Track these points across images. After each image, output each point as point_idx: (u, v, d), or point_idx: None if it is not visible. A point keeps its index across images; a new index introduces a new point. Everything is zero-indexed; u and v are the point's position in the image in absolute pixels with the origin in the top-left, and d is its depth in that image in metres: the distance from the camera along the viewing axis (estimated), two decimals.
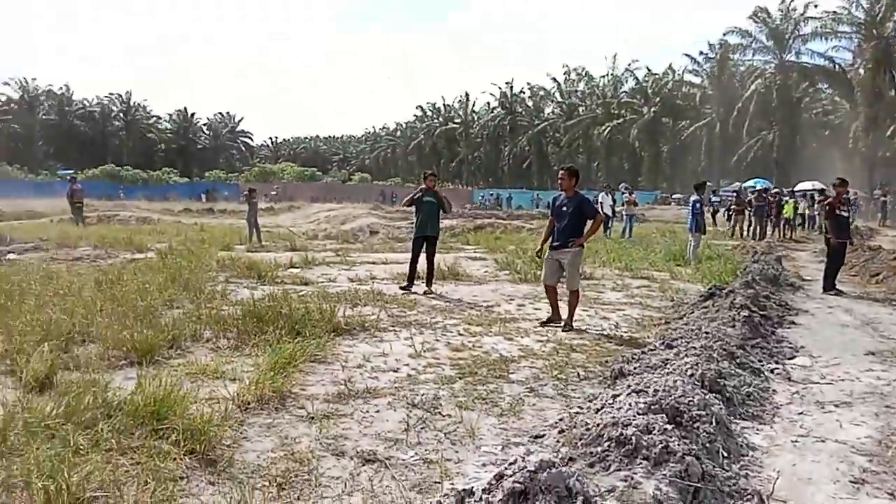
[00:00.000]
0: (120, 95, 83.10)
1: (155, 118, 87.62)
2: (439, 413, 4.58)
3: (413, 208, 10.37)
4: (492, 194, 59.16)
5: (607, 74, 72.09)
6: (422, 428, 4.30)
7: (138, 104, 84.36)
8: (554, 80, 75.66)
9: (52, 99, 77.98)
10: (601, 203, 21.00)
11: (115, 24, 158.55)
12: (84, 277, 8.90)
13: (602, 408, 4.28)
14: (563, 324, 7.37)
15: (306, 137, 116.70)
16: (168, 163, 76.93)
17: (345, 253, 14.53)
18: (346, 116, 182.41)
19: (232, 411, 4.34)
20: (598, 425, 3.89)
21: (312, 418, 4.39)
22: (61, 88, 78.81)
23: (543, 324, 7.52)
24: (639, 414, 3.88)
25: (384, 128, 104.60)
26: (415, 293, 9.31)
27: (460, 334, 6.89)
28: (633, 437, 3.59)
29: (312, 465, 3.68)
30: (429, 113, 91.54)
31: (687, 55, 78.67)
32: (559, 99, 76.06)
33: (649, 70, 67.74)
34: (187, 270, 9.79)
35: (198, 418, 3.96)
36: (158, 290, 7.91)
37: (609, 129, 65.68)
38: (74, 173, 31.54)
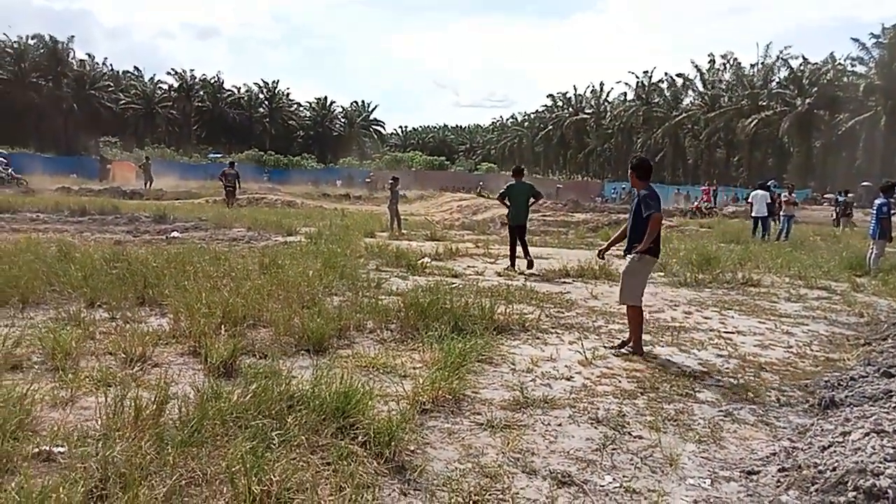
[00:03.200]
0: (266, 83, 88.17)
1: (296, 105, 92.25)
2: (629, 433, 4.18)
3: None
4: (623, 187, 57.13)
5: (757, 63, 67.29)
6: (614, 449, 3.93)
7: (282, 92, 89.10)
8: (697, 68, 71.60)
9: (206, 87, 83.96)
10: (752, 203, 19.45)
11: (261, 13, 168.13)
12: (247, 260, 9.22)
13: (830, 446, 3.71)
14: (624, 345, 6.18)
15: (434, 126, 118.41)
16: (305, 149, 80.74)
17: (486, 245, 14.31)
18: (475, 108, 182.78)
19: (408, 412, 4.17)
20: (834, 469, 3.35)
21: (493, 427, 4.14)
22: (214, 77, 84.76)
23: (615, 347, 6.22)
24: (888, 460, 3.30)
25: (512, 118, 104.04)
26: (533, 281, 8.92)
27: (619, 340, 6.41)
28: (890, 491, 3.03)
29: (505, 482, 3.41)
30: (559, 103, 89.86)
31: (855, 39, 72.17)
32: (701, 89, 71.94)
33: (805, 59, 62.50)
34: (340, 257, 9.92)
35: (382, 419, 3.83)
36: (317, 276, 8.01)
37: (755, 121, 61.34)
38: (227, 157, 33.58)
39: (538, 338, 6.44)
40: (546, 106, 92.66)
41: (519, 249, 11.17)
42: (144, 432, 3.46)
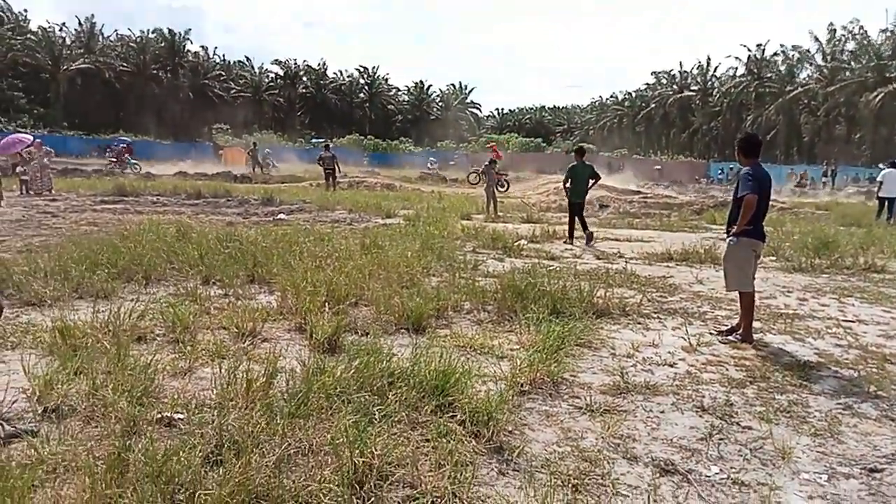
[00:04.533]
0: (366, 69, 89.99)
1: (395, 90, 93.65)
2: (737, 423, 3.99)
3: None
4: (731, 167, 54.25)
5: (886, 31, 61.73)
6: (721, 439, 3.76)
7: (381, 77, 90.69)
8: (816, 38, 66.52)
9: (310, 74, 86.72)
10: (881, 182, 17.94)
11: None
12: (349, 241, 9.49)
13: None
14: (733, 332, 5.89)
15: (531, 108, 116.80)
16: (403, 132, 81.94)
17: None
18: (575, 88, 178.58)
19: (506, 392, 4.16)
20: None
21: (592, 411, 4.07)
22: (319, 64, 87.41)
23: (721, 333, 5.94)
24: None
25: (612, 97, 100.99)
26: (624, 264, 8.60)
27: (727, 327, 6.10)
28: None
29: (605, 467, 3.35)
30: (663, 80, 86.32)
31: None
32: (820, 61, 66.89)
33: None
34: (437, 239, 10.03)
35: (480, 398, 3.85)
36: (416, 257, 8.13)
37: (882, 95, 56.45)
38: (326, 142, 34.57)
39: (639, 323, 6.25)
40: (648, 84, 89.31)
41: (578, 225, 12.17)
42: (255, 403, 3.64)
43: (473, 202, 19.73)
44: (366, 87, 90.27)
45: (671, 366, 5.03)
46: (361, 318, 5.83)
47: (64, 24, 72.77)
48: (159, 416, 3.60)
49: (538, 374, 4.45)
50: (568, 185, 12.27)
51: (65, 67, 67.81)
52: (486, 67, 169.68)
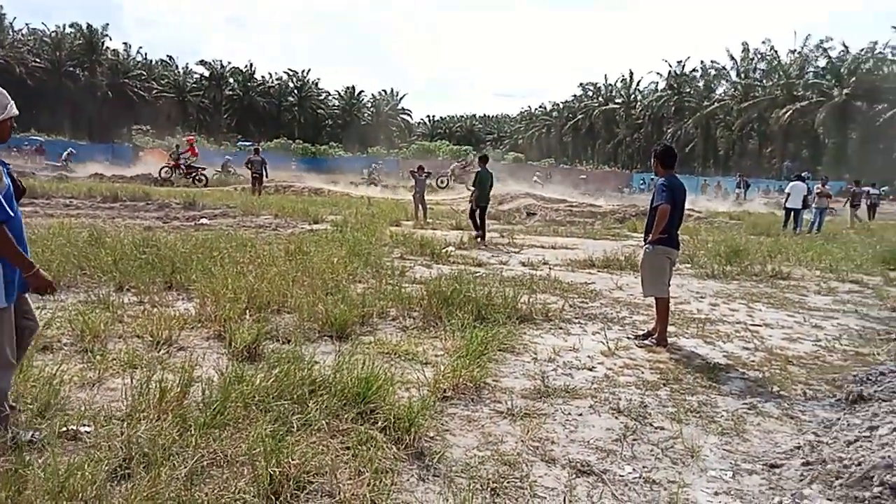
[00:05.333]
0: (296, 72, 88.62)
1: (325, 94, 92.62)
2: (650, 424, 4.15)
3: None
4: (652, 178, 56.30)
5: (794, 51, 65.62)
6: (635, 439, 3.90)
7: (312, 81, 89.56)
8: (731, 57, 70.02)
9: (237, 76, 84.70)
10: (788, 194, 19.05)
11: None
12: (273, 247, 9.31)
13: (856, 441, 3.64)
14: (648, 336, 6.11)
15: (462, 116, 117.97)
16: (333, 137, 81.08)
17: (510, 235, 14.26)
18: (504, 97, 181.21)
19: (429, 398, 4.17)
20: (859, 464, 3.29)
21: (513, 415, 4.13)
22: (246, 66, 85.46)
23: (638, 338, 6.14)
24: None
25: (541, 107, 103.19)
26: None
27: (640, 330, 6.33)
28: None
29: (523, 470, 3.41)
30: (589, 92, 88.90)
31: None
32: (734, 78, 70.44)
33: (846, 47, 60.74)
34: (365, 245, 9.97)
35: (402, 405, 3.84)
36: (342, 263, 8.05)
37: (790, 112, 59.97)
38: (255, 146, 33.85)
39: (561, 328, 6.40)
40: (575, 95, 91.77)
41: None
42: (168, 414, 3.52)
43: (403, 208, 19.72)
44: (295, 91, 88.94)
45: (590, 369, 5.18)
46: (284, 326, 5.72)
47: None
48: (64, 429, 3.42)
49: (461, 380, 4.49)
50: (473, 189, 13.63)
51: None
52: (417, 74, 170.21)
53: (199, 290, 6.39)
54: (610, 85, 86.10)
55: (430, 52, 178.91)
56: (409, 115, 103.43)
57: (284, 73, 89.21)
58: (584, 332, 6.29)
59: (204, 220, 14.34)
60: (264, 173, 24.52)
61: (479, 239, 12.97)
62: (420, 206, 17.67)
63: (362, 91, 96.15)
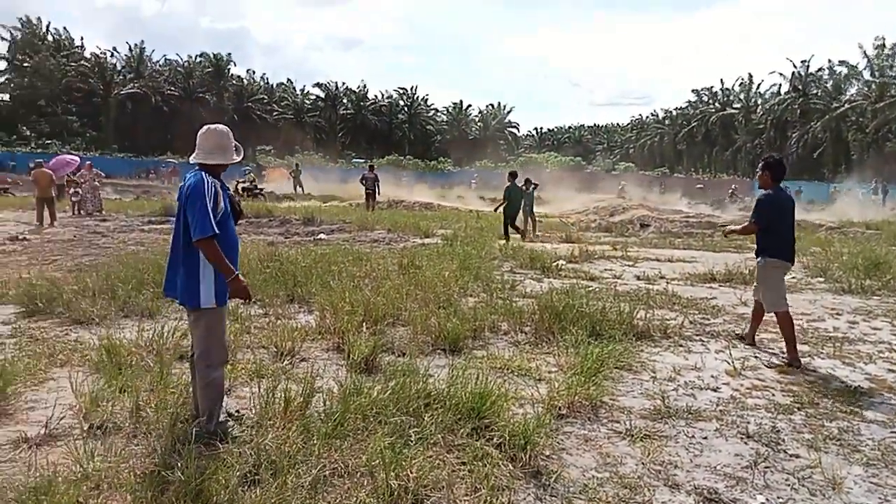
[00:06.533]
0: (405, 90, 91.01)
1: (434, 110, 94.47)
2: (783, 450, 3.86)
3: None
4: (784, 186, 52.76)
5: None
6: (767, 467, 3.64)
7: (420, 98, 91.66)
8: (865, 54, 64.77)
9: (350, 96, 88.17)
10: None
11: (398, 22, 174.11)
12: (387, 261, 9.55)
13: None
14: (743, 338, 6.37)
15: (570, 127, 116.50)
16: (442, 152, 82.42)
17: (623, 247, 13.85)
18: (611, 106, 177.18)
19: (544, 416, 4.10)
20: None
21: (632, 436, 3.98)
22: (359, 86, 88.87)
23: (739, 337, 6.45)
24: None
25: (653, 115, 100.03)
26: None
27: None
28: None
29: (645, 495, 3.27)
30: (704, 98, 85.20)
31: None
32: (868, 77, 65.08)
33: None
34: (475, 258, 10.01)
35: (516, 421, 3.81)
36: (453, 277, 8.12)
37: None
38: (370, 163, 35.01)
39: (681, 345, 6.12)
40: (690, 102, 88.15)
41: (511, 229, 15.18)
42: (293, 423, 3.67)
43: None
44: (405, 108, 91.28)
45: (714, 390, 4.91)
46: (398, 339, 5.84)
47: (115, 49, 75.59)
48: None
49: (577, 398, 4.38)
50: (502, 201, 15.33)
51: (115, 92, 70.27)
52: (524, 87, 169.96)
53: (318, 302, 6.66)
54: (727, 89, 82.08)
55: (536, 64, 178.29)
56: (516, 128, 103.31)
57: (395, 91, 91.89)
58: (707, 351, 5.97)
59: (322, 236, 14.96)
60: (377, 189, 25.28)
61: (521, 239, 14.94)
62: (529, 219, 17.56)
63: (469, 106, 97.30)
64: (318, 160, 61.60)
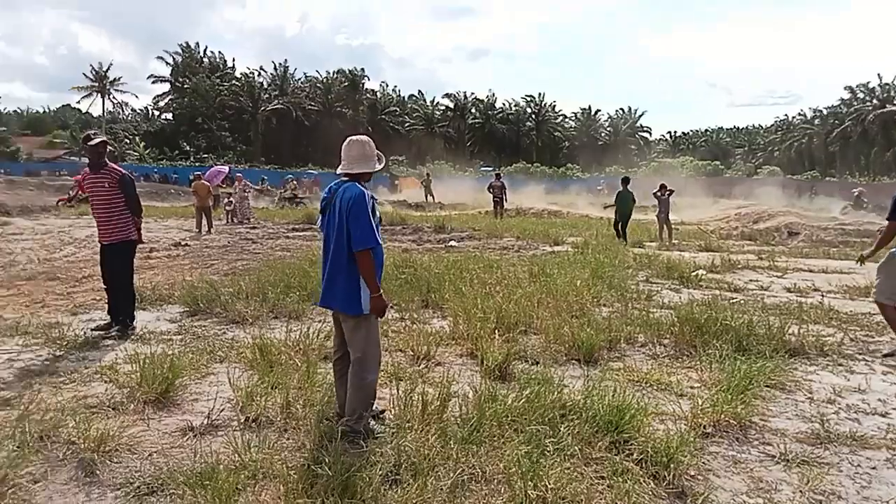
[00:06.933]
0: (533, 98, 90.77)
1: (562, 117, 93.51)
2: None
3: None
4: None
5: None
6: None
7: (548, 105, 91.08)
8: None
9: (478, 105, 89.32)
10: None
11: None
12: (517, 268, 9.54)
13: None
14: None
15: (706, 129, 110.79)
16: (570, 159, 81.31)
17: (770, 256, 12.95)
18: (752, 107, 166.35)
19: (687, 434, 3.90)
20: None
21: (787, 461, 3.69)
22: (488, 95, 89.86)
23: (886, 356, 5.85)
24: None
25: (800, 114, 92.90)
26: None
27: None
28: None
29: None
30: (860, 94, 77.98)
31: None
32: None
33: None
34: (608, 267, 9.76)
35: (657, 438, 3.66)
36: (585, 286, 7.96)
37: None
38: (497, 171, 35.23)
39: (841, 364, 5.61)
40: (843, 99, 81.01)
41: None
42: (430, 426, 3.75)
43: (646, 229, 19.01)
44: (532, 116, 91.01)
45: (883, 416, 4.45)
46: (531, 347, 5.80)
47: (262, 68, 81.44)
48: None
49: (723, 416, 4.14)
50: (612, 205, 16.53)
51: (262, 108, 75.67)
52: (657, 90, 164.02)
53: (451, 308, 6.77)
54: (886, 84, 74.64)
55: (670, 65, 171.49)
56: (647, 132, 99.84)
57: (522, 99, 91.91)
58: (872, 371, 5.44)
59: (453, 243, 15.22)
60: (504, 197, 25.37)
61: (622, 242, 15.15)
62: (664, 227, 16.88)
63: (598, 111, 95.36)
64: (448, 169, 62.75)
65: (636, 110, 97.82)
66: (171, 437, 3.87)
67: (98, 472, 3.38)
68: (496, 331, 5.93)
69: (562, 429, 3.74)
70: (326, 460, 3.22)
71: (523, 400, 4.08)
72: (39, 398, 4.34)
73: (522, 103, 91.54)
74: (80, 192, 25.26)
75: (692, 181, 53.70)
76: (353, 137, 4.01)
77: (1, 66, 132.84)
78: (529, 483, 3.05)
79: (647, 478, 3.34)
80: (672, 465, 3.40)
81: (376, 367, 3.89)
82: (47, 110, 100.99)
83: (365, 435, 3.66)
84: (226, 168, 27.49)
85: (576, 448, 3.55)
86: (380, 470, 3.18)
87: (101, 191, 6.24)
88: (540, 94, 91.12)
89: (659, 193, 17.36)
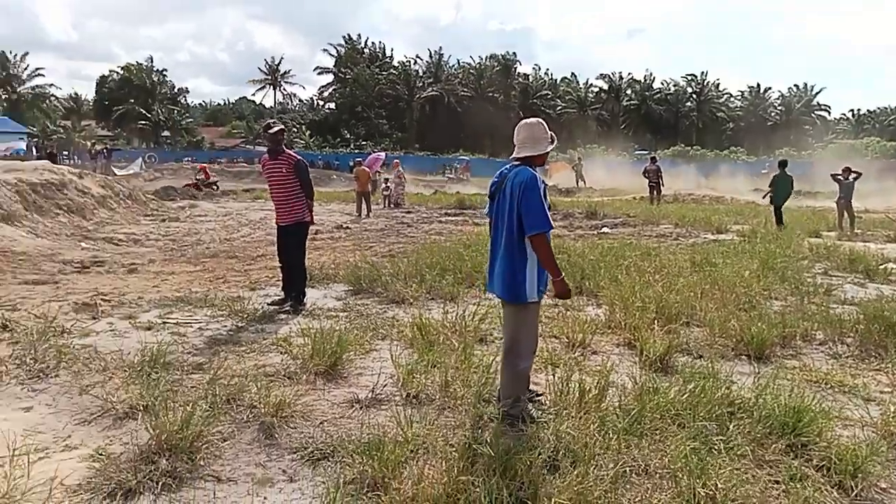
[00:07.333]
0: (694, 77, 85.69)
1: (726, 96, 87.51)
2: None
3: None
4: None
5: None
6: None
7: (710, 84, 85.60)
8: None
9: (634, 86, 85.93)
10: None
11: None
12: (677, 256, 9.11)
13: None
14: None
15: None
16: (735, 141, 75.94)
17: None
18: None
19: (878, 442, 3.53)
20: None
21: None
22: (644, 76, 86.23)
23: None
24: None
25: None
26: None
27: None
28: None
29: None
30: None
31: None
32: None
33: None
34: (779, 257, 9.04)
35: (841, 444, 3.35)
36: (754, 277, 7.43)
37: None
38: (652, 154, 33.76)
39: None
40: None
41: None
42: (589, 414, 3.70)
43: (823, 217, 17.37)
44: (693, 96, 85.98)
45: None
46: (693, 340, 5.53)
47: (418, 56, 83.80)
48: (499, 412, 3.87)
49: None
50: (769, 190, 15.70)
51: (417, 96, 77.95)
52: (837, 65, 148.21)
53: (607, 296, 6.62)
54: None
55: (852, 36, 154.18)
56: (825, 110, 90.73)
57: (682, 78, 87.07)
58: None
59: (605, 229, 14.83)
60: (660, 182, 24.25)
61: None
62: (846, 214, 15.30)
63: (769, 88, 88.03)
64: (600, 153, 61.13)
65: (812, 87, 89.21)
66: (339, 407, 4.13)
67: (276, 435, 3.68)
68: (655, 321, 5.71)
69: (731, 427, 3.54)
70: (485, 440, 3.28)
71: (687, 394, 3.91)
72: (226, 365, 4.80)
73: (682, 82, 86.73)
74: (204, 178, 27.38)
75: (879, 164, 48.22)
76: (524, 121, 3.95)
77: (190, 62, 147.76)
78: (697, 480, 2.91)
79: (829, 486, 3.08)
80: (860, 476, 3.10)
81: (529, 355, 3.87)
82: (226, 102, 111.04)
83: (523, 419, 3.68)
84: (383, 154, 28.75)
85: (747, 448, 3.34)
86: (539, 455, 3.19)
87: (279, 175, 6.75)
88: (702, 72, 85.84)
89: (841, 177, 15.69)
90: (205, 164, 30.14)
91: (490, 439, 3.27)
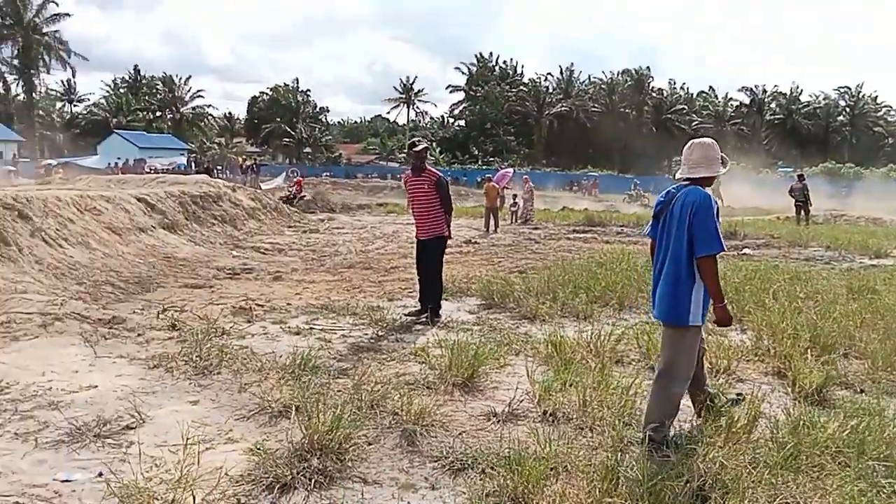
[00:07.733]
0: (848, 89, 79.22)
1: (886, 109, 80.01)
2: None
3: None
4: None
5: None
6: None
7: (867, 96, 78.71)
8: None
9: (779, 99, 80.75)
10: None
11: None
12: (830, 282, 8.46)
13: None
14: None
15: None
16: (894, 158, 69.16)
17: None
18: None
19: None
20: None
21: None
22: (791, 89, 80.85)
23: None
24: None
25: None
26: None
27: None
28: None
29: None
30: None
31: None
32: None
33: None
34: None
35: None
36: None
37: None
38: (799, 172, 31.55)
39: None
40: None
41: None
42: (738, 445, 3.53)
43: None
44: (846, 109, 79.40)
45: None
46: (853, 372, 5.12)
47: (549, 73, 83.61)
48: (639, 436, 3.78)
49: None
50: None
51: (546, 112, 77.70)
52: None
53: (753, 322, 6.27)
54: None
55: None
56: None
57: (833, 90, 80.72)
58: None
59: (747, 251, 14.03)
60: (808, 201, 22.57)
61: None
62: None
63: None
64: (740, 169, 57.92)
65: None
66: (476, 419, 4.21)
67: (417, 442, 3.81)
68: (809, 350, 5.34)
69: None
70: (629, 464, 3.22)
71: (849, 430, 3.63)
72: (369, 371, 5.03)
73: (834, 95, 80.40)
74: (297, 191, 28.07)
75: None
76: (696, 140, 3.89)
77: (330, 82, 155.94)
78: None
79: None
80: None
81: (684, 382, 3.74)
82: (362, 120, 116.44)
83: (667, 444, 3.57)
84: (511, 171, 28.87)
85: None
86: (687, 483, 3.08)
87: (421, 191, 7.02)
88: (858, 84, 79.13)
89: None
90: (300, 178, 31.48)
91: (634, 463, 3.21)
